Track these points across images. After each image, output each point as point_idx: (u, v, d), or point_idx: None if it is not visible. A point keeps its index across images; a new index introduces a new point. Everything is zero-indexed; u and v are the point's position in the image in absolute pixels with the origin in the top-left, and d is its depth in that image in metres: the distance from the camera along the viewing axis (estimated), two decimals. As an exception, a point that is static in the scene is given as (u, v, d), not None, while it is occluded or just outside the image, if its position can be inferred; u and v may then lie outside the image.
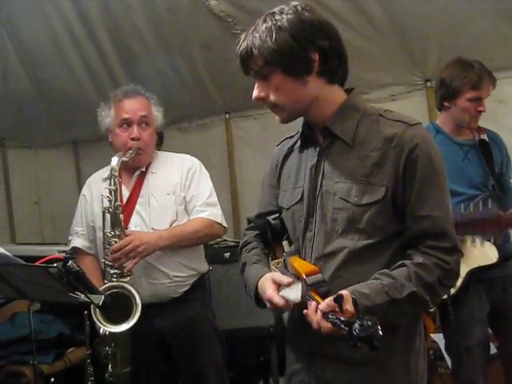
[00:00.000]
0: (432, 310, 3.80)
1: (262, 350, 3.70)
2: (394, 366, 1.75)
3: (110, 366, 2.76)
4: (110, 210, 2.74)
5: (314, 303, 1.57)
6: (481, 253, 2.78)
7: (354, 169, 1.73)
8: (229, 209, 4.87)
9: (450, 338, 2.96)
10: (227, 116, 4.96)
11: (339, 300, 1.47)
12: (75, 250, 3.03)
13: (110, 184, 2.76)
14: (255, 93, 1.79)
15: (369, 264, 1.72)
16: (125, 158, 2.79)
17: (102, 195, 2.78)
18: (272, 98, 1.76)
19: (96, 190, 2.99)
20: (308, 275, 1.65)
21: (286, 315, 2.04)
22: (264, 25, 1.71)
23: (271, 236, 1.95)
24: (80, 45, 4.35)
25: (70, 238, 3.07)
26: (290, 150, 1.97)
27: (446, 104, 2.98)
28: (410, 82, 4.25)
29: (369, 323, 1.36)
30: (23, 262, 2.16)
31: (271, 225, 1.94)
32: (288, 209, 1.90)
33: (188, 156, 3.07)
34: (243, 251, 2.07)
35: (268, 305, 1.78)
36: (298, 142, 1.93)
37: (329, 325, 1.50)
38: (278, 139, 2.10)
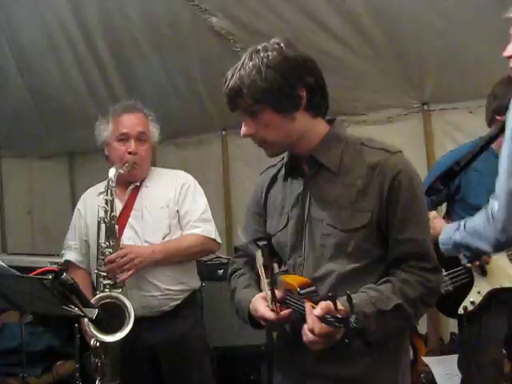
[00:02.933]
0: (423, 333, 3.81)
1: (253, 369, 3.68)
2: (383, 382, 1.79)
3: (98, 379, 2.74)
4: (106, 220, 2.75)
5: (308, 305, 1.61)
6: (504, 273, 2.77)
7: (340, 196, 1.79)
8: (223, 226, 4.86)
9: (463, 354, 2.94)
10: (224, 133, 4.99)
11: (334, 297, 1.52)
12: (67, 263, 3.04)
13: (106, 194, 2.77)
14: (244, 130, 1.81)
15: (357, 286, 1.75)
16: (121, 171, 2.82)
17: (98, 205, 2.80)
18: (261, 134, 1.79)
19: (91, 204, 3.01)
20: (301, 286, 1.71)
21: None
22: (251, 63, 1.73)
23: (261, 261, 1.94)
24: (79, 56, 4.35)
25: (62, 251, 3.09)
26: (274, 178, 2.01)
27: (498, 118, 2.97)
28: (407, 105, 4.28)
29: (364, 316, 1.47)
30: (18, 273, 2.15)
31: (261, 250, 1.92)
32: (274, 234, 1.94)
33: (182, 172, 3.10)
34: (233, 277, 2.09)
35: (262, 322, 1.82)
36: (282, 170, 1.97)
37: (323, 326, 1.54)
38: (273, 158, 2.10)
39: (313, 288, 1.72)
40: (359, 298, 1.68)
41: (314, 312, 1.57)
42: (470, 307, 2.80)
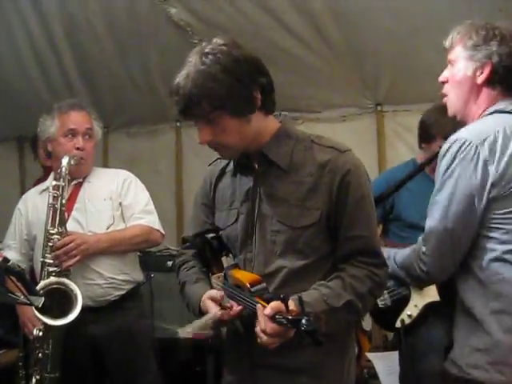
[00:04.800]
0: (368, 330, 3.87)
1: (199, 361, 3.68)
2: (331, 372, 1.85)
3: (35, 374, 2.74)
4: (56, 206, 2.77)
5: (259, 305, 1.64)
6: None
7: (290, 193, 1.81)
8: (173, 217, 4.85)
9: (406, 365, 2.98)
10: (178, 124, 4.96)
11: (285, 299, 1.53)
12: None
13: (58, 180, 2.80)
14: (202, 138, 1.78)
15: (306, 282, 1.80)
16: (72, 162, 2.85)
17: (49, 191, 2.82)
18: (218, 139, 1.78)
19: (31, 203, 3.05)
20: (252, 284, 1.73)
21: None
22: (202, 67, 1.69)
23: (210, 254, 1.98)
24: (34, 41, 4.28)
25: (1, 251, 3.03)
26: (223, 171, 2.00)
27: (423, 145, 3.05)
28: (361, 105, 4.35)
29: (315, 317, 1.48)
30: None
31: (210, 243, 1.97)
32: (224, 229, 1.96)
33: (124, 170, 3.17)
34: (181, 270, 2.09)
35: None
36: (231, 164, 1.97)
37: (275, 326, 1.57)
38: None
39: (263, 285, 1.74)
40: (312, 296, 1.72)
41: (264, 312, 1.59)
42: (408, 320, 2.86)
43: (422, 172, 2.84)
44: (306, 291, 1.74)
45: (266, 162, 1.85)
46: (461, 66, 2.01)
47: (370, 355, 3.47)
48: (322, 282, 1.78)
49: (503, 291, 1.82)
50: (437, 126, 2.91)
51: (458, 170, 1.85)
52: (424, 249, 1.93)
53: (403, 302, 2.88)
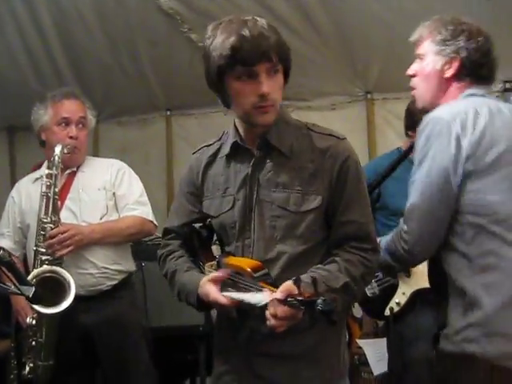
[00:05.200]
0: (359, 317, 3.90)
1: (191, 349, 3.70)
2: (328, 357, 1.88)
3: (29, 362, 2.76)
4: (49, 194, 2.79)
5: (267, 290, 1.64)
6: (427, 275, 2.84)
7: (291, 179, 1.83)
8: (164, 207, 4.83)
9: (394, 353, 3.00)
10: (168, 113, 4.95)
11: (298, 281, 1.54)
12: None
13: (51, 168, 2.81)
14: (268, 88, 1.77)
15: (305, 267, 1.80)
16: (65, 150, 2.85)
17: (42, 179, 2.84)
18: (275, 95, 1.80)
19: (25, 190, 3.05)
20: (254, 269, 1.75)
21: (214, 315, 2.07)
22: (266, 24, 1.77)
23: (198, 243, 1.97)
24: (23, 30, 4.23)
25: None
26: (212, 158, 1.99)
27: (409, 133, 3.06)
28: (351, 93, 4.36)
29: (330, 298, 1.50)
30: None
31: (198, 232, 1.96)
32: (217, 216, 1.93)
33: (117, 160, 3.18)
34: (169, 260, 2.05)
35: (214, 306, 1.83)
36: (223, 151, 1.96)
37: (286, 308, 1.58)
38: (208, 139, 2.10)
39: (265, 270, 1.76)
40: (313, 277, 1.71)
41: (275, 296, 1.59)
42: (396, 308, 2.88)
43: (407, 159, 2.87)
44: (305, 274, 1.75)
45: (266, 148, 1.86)
46: (429, 60, 2.06)
47: (360, 342, 3.50)
48: (319, 265, 1.80)
49: (491, 263, 1.83)
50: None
51: (433, 146, 1.89)
52: (405, 227, 1.94)
53: (391, 290, 2.91)
